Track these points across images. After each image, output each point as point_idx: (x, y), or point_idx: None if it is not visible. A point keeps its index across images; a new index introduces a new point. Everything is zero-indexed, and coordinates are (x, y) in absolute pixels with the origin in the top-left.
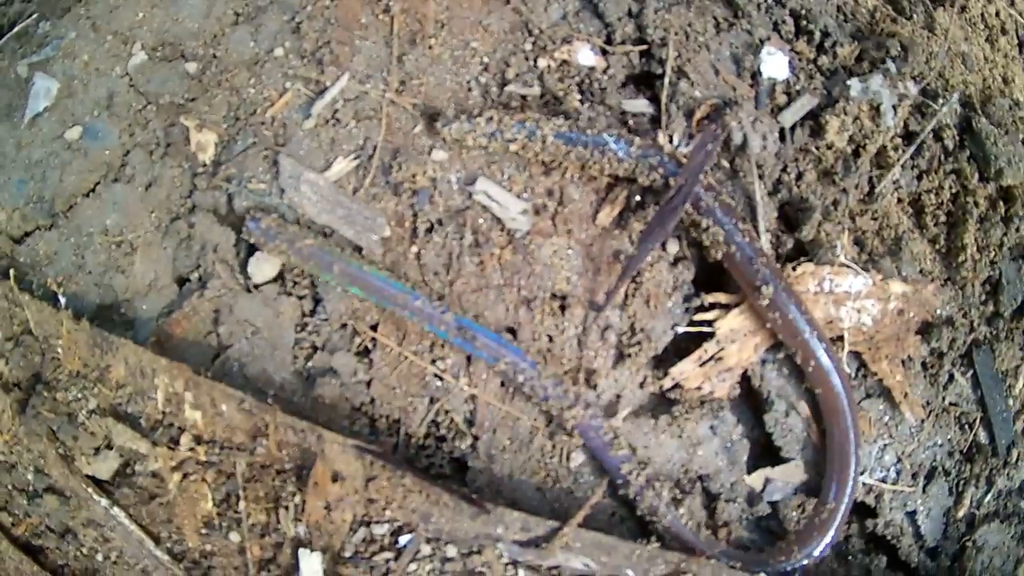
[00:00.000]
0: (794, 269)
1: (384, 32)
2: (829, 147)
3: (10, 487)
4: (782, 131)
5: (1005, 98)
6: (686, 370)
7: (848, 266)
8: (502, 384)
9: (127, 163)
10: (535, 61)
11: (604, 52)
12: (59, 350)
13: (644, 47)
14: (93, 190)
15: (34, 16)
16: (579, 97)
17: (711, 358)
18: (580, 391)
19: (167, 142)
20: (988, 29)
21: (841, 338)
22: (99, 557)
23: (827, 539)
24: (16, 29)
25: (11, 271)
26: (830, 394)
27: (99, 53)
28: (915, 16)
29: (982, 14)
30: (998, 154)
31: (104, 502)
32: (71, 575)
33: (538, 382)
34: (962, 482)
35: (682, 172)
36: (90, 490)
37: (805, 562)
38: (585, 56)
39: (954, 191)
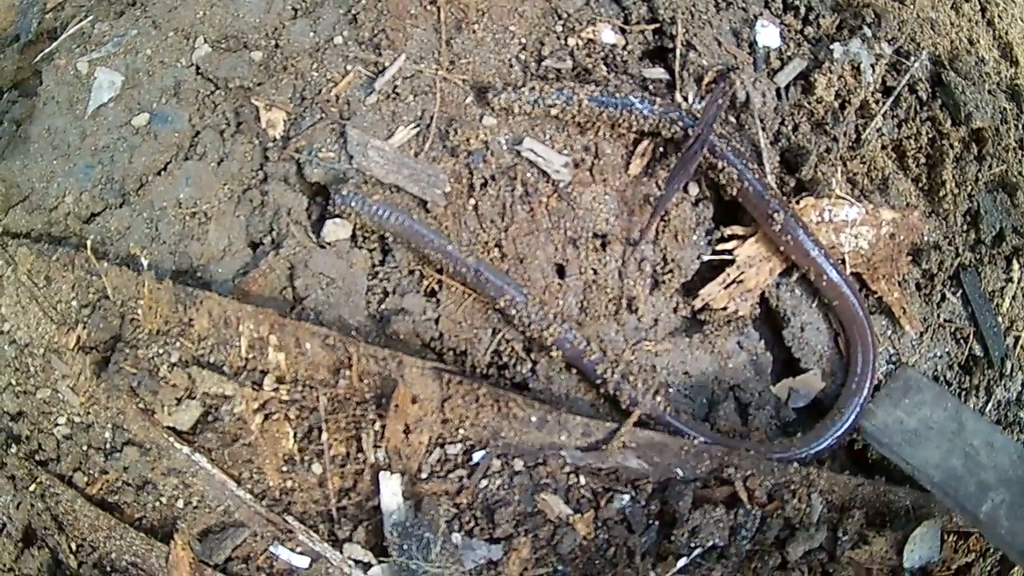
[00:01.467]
0: (798, 203)
1: (432, 20)
2: (819, 102)
3: (86, 447)
4: (778, 90)
5: (971, 56)
6: (712, 292)
7: (843, 198)
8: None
9: (197, 143)
10: (565, 40)
11: (623, 31)
12: (139, 311)
13: (656, 25)
14: (164, 168)
15: (89, 18)
16: (605, 69)
17: (733, 281)
18: (554, 311)
19: (238, 122)
20: None
21: (843, 261)
22: (179, 504)
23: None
24: (71, 30)
25: (87, 242)
26: (844, 303)
27: (162, 48)
28: None
29: None
30: (967, 101)
31: (186, 449)
32: (149, 525)
33: (525, 310)
34: (963, 392)
35: (697, 124)
36: (171, 439)
37: (833, 440)
38: (607, 35)
39: (931, 135)
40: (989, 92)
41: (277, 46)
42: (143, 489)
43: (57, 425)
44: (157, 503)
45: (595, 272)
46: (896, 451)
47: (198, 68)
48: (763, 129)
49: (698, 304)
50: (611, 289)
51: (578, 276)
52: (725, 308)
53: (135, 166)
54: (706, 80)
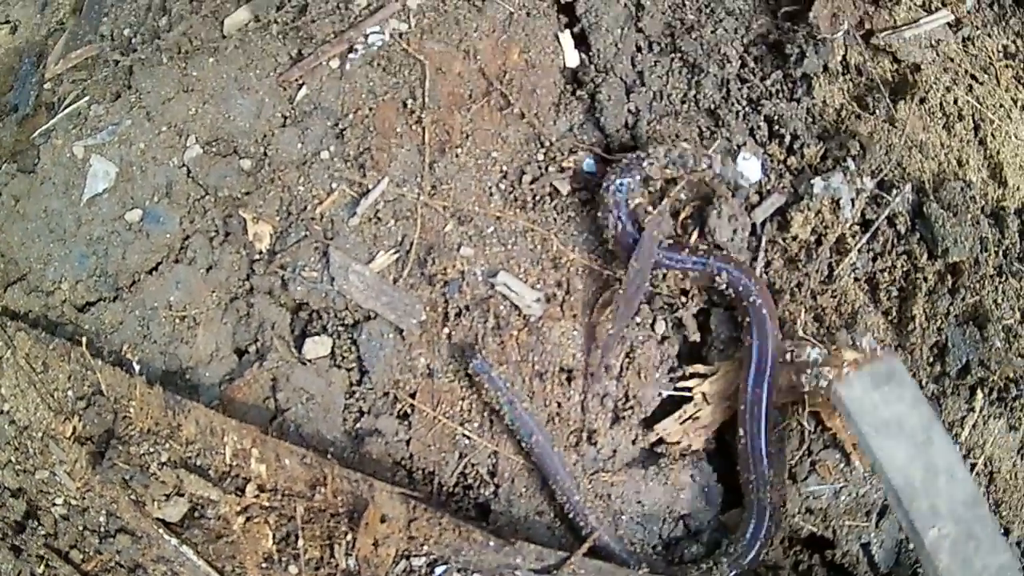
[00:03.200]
0: None
1: (417, 141)
2: (794, 239)
3: (81, 528)
4: (753, 225)
5: (958, 180)
6: (669, 427)
7: (805, 339)
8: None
9: (187, 247)
10: (546, 168)
11: (604, 160)
12: (131, 410)
13: (638, 153)
14: (156, 268)
15: (85, 99)
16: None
17: (690, 417)
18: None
19: (226, 231)
20: (945, 117)
21: (802, 400)
22: None
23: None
24: (68, 110)
25: (83, 339)
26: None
27: (155, 143)
28: (877, 111)
29: (940, 103)
30: (945, 235)
31: (174, 541)
32: None
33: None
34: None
35: (635, 258)
36: (160, 530)
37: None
38: (588, 164)
39: (905, 269)
40: (972, 221)
41: (266, 155)
42: (134, 572)
43: (55, 505)
44: None
45: (559, 405)
46: (867, 437)
47: (189, 171)
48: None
49: (653, 438)
50: (573, 422)
51: (543, 408)
52: (679, 442)
53: (128, 262)
54: (682, 216)
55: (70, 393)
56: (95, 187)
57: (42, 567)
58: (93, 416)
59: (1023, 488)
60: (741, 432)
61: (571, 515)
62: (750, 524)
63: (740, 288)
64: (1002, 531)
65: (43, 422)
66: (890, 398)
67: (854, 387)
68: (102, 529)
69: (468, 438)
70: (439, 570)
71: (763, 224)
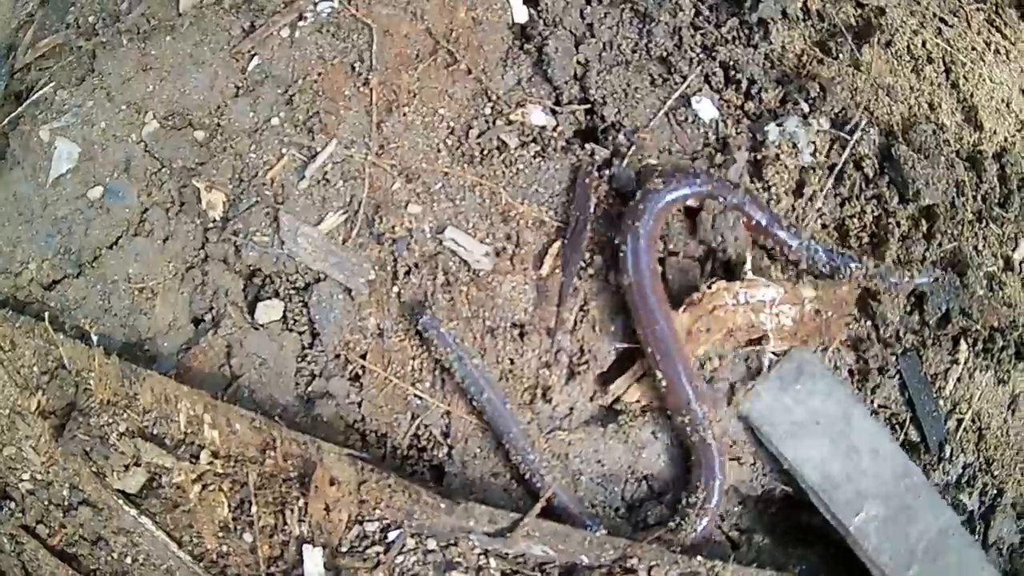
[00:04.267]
0: (709, 287)
1: (365, 102)
2: (767, 188)
3: (46, 502)
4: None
5: (930, 123)
6: (622, 385)
7: (754, 279)
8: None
9: (146, 219)
10: (494, 122)
11: (554, 112)
12: (91, 382)
13: (588, 106)
14: (116, 243)
15: (52, 85)
16: (533, 150)
17: (644, 375)
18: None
19: (181, 201)
20: (914, 60)
21: (765, 337)
22: (128, 560)
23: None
24: (35, 96)
25: (45, 314)
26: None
27: (115, 121)
28: (841, 56)
29: (908, 46)
30: (915, 177)
31: (133, 512)
32: None
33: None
34: None
35: (574, 208)
36: (120, 502)
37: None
38: (537, 116)
39: (876, 214)
40: (946, 163)
41: (219, 125)
42: (96, 544)
43: (22, 480)
44: (109, 558)
45: (512, 362)
46: (775, 443)
47: (146, 145)
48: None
49: (608, 399)
50: (527, 379)
51: (495, 365)
52: (638, 400)
53: (90, 239)
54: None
55: (35, 369)
56: (59, 168)
57: (9, 542)
58: (56, 390)
59: (1015, 444)
60: (659, 375)
61: (527, 475)
62: (702, 466)
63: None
64: (939, 494)
65: (9, 399)
66: (801, 395)
67: (762, 398)
68: (65, 503)
69: (420, 398)
70: (392, 534)
71: (739, 179)
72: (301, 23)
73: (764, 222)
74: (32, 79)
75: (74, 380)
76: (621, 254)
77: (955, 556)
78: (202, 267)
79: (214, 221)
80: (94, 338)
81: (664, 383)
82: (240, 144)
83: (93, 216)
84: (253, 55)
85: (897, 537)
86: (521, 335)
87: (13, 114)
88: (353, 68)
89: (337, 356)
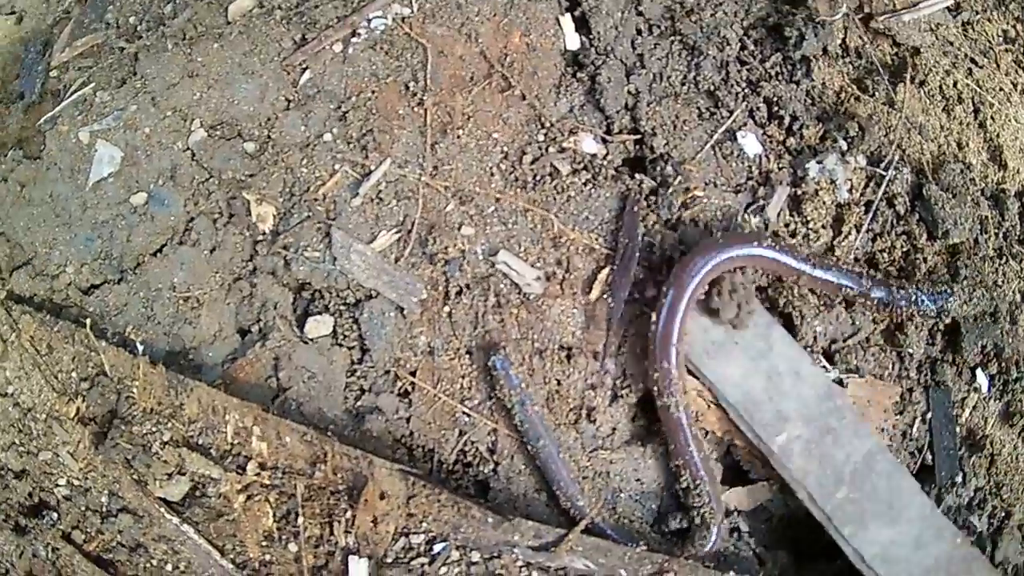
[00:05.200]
0: None
1: (419, 123)
2: (806, 223)
3: (84, 508)
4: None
5: (957, 163)
6: None
7: None
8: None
9: (191, 228)
10: (547, 149)
11: (604, 140)
12: (134, 390)
13: (638, 136)
14: (160, 250)
15: (91, 86)
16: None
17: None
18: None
19: (229, 212)
20: (945, 99)
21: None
22: (168, 567)
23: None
24: (74, 97)
25: (87, 321)
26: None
27: (160, 127)
28: (877, 94)
29: (940, 86)
30: (945, 217)
31: (175, 520)
32: None
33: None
34: None
35: (623, 236)
36: (162, 510)
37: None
38: (588, 144)
39: (905, 249)
40: (972, 202)
41: (269, 137)
42: (135, 551)
43: (58, 486)
44: (148, 565)
45: (559, 383)
46: (695, 362)
47: (193, 154)
48: None
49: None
50: (572, 399)
51: (543, 385)
52: None
53: (133, 245)
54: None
55: (74, 375)
56: (100, 172)
57: (45, 548)
58: (96, 397)
59: (1023, 470)
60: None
61: (576, 518)
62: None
63: None
64: (866, 424)
65: (47, 403)
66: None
67: None
68: (104, 509)
69: (468, 416)
70: (438, 547)
71: (778, 214)
72: (354, 39)
73: (842, 282)
74: (70, 78)
75: (116, 388)
76: (661, 300)
77: (884, 480)
78: (250, 279)
79: (264, 234)
80: (139, 347)
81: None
82: (291, 158)
83: (136, 222)
84: (305, 68)
85: (822, 460)
86: (568, 357)
87: (51, 113)
88: (407, 87)
89: (387, 372)
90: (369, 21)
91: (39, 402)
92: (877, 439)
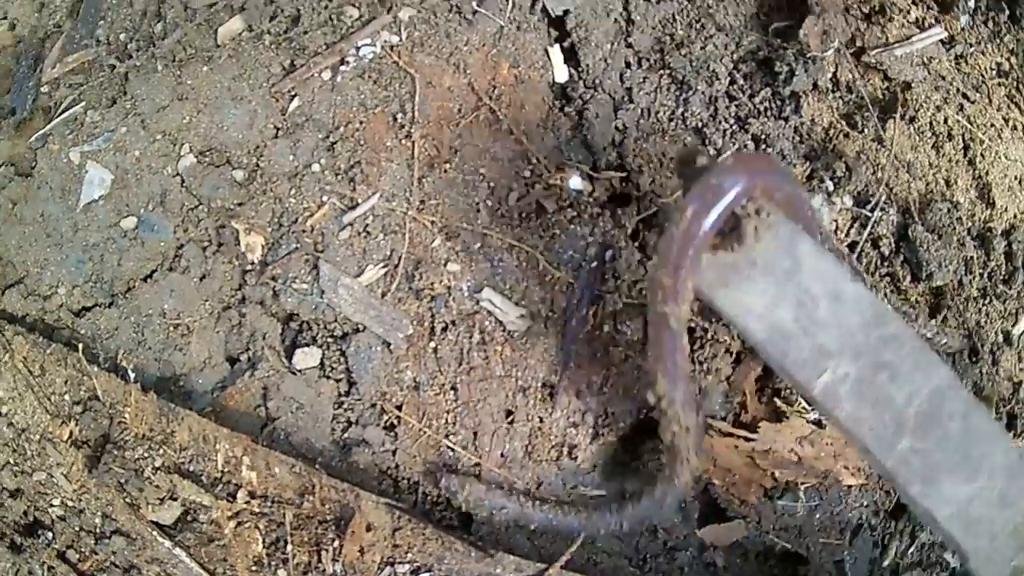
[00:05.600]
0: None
1: (406, 155)
2: None
3: (78, 528)
4: None
5: (945, 202)
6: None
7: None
8: (501, 455)
9: (181, 255)
10: (532, 185)
11: (591, 178)
12: (126, 415)
13: (624, 174)
14: (151, 276)
15: (81, 104)
16: (569, 214)
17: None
18: None
19: (219, 241)
20: (935, 136)
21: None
22: None
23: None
24: (64, 115)
25: (80, 346)
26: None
27: (150, 151)
28: (866, 130)
29: (930, 122)
30: (930, 259)
31: (167, 543)
32: None
33: None
34: (887, 536)
35: (577, 285)
36: (155, 533)
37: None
38: (575, 182)
39: (888, 291)
40: (957, 243)
41: (258, 166)
42: (129, 572)
43: (52, 506)
44: None
45: (541, 420)
46: (707, 293)
47: (183, 180)
48: None
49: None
50: (555, 436)
51: (525, 422)
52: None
53: (123, 269)
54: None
55: (67, 397)
56: (91, 193)
57: (41, 567)
58: (89, 421)
59: None
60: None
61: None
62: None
63: None
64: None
65: (40, 425)
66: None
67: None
68: (98, 530)
69: (452, 450)
70: None
71: None
72: (343, 67)
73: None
74: (61, 96)
75: (108, 412)
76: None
77: (957, 425)
78: (239, 308)
79: (252, 264)
80: (131, 374)
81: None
82: (280, 188)
83: (127, 247)
84: (293, 96)
85: (878, 402)
86: (551, 395)
87: (42, 131)
88: (395, 119)
89: (373, 405)
90: (358, 49)
91: (32, 423)
92: (947, 372)
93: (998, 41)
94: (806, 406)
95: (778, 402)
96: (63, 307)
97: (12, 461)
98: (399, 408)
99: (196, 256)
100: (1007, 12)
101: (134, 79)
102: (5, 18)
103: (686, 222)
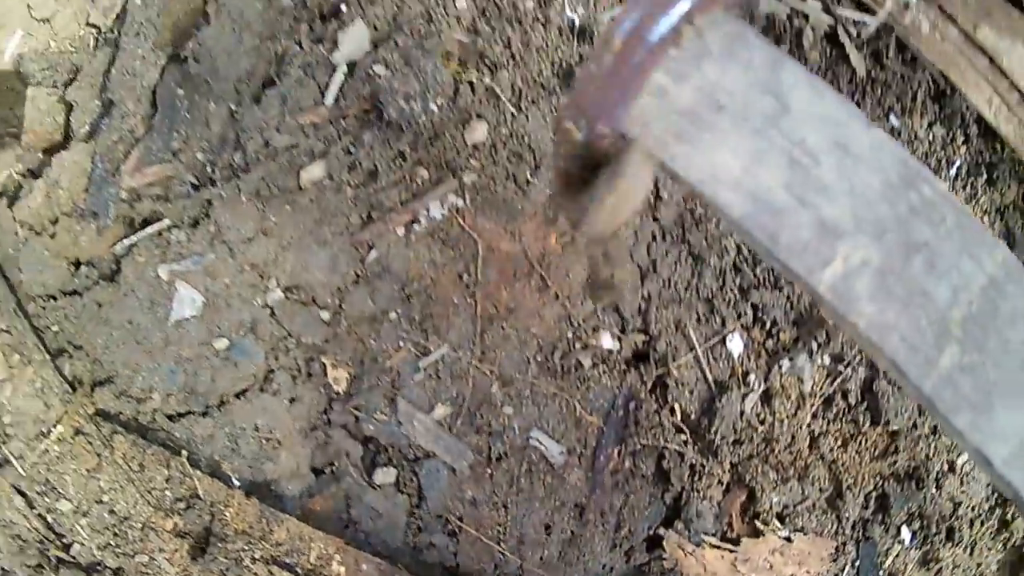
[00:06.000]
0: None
1: (471, 312)
2: (773, 414)
3: None
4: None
5: None
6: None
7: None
8: (540, 559)
9: (272, 379)
10: (573, 344)
11: (619, 338)
12: (227, 514)
13: (646, 337)
14: (243, 393)
15: (166, 221)
16: (600, 369)
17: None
18: None
19: (308, 371)
20: None
21: None
22: None
23: None
24: (150, 230)
25: (183, 452)
26: None
27: (239, 280)
28: None
29: None
30: (888, 408)
31: None
32: None
33: None
34: None
35: (606, 428)
36: None
37: None
38: (606, 340)
39: (850, 432)
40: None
41: (341, 308)
42: None
43: None
44: None
45: (572, 533)
46: (658, 153)
47: (272, 312)
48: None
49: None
50: (583, 545)
51: (560, 534)
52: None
53: (216, 385)
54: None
55: (168, 493)
56: (182, 311)
57: None
58: (193, 516)
59: None
60: None
61: None
62: None
63: None
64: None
65: (143, 515)
66: (687, 62)
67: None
68: None
69: (503, 555)
70: None
71: (752, 407)
72: (415, 226)
73: None
74: (142, 208)
75: (210, 510)
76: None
77: (1022, 329)
78: (325, 429)
79: (337, 394)
80: (235, 481)
81: None
82: (362, 330)
83: (219, 365)
84: (371, 246)
85: (911, 300)
86: (580, 514)
87: (126, 241)
88: (461, 278)
89: (439, 516)
90: (428, 209)
91: (135, 512)
92: (1005, 254)
93: (974, 203)
94: (779, 524)
95: (757, 523)
96: (158, 411)
97: (114, 543)
98: (460, 520)
99: (286, 382)
100: (984, 176)
101: (218, 206)
102: (70, 108)
103: (628, 29)
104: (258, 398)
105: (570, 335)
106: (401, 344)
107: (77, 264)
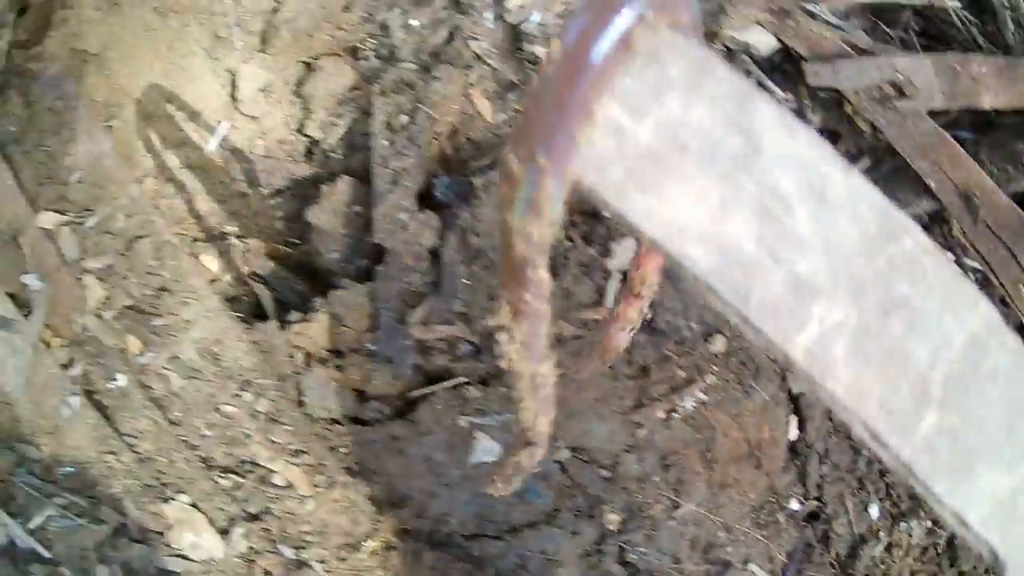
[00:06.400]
0: None
1: (708, 479)
2: None
3: None
4: None
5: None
6: None
7: None
8: None
9: (558, 517)
10: (774, 506)
11: (802, 502)
12: None
13: (819, 503)
14: (532, 525)
15: (461, 378)
16: None
17: None
18: None
19: (588, 514)
20: None
21: None
22: None
23: None
24: (446, 384)
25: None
26: None
27: None
28: None
29: None
30: (962, 558)
31: None
32: None
33: None
34: None
35: None
36: None
37: None
38: (795, 504)
39: (932, 572)
40: None
41: (615, 468)
42: None
43: None
44: None
45: None
46: (611, 203)
47: (562, 467)
48: None
49: None
50: None
51: None
52: None
53: (510, 518)
54: None
55: None
56: (481, 457)
57: None
58: None
59: None
60: None
61: None
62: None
63: None
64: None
65: None
66: (646, 94)
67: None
68: None
69: None
70: None
71: None
72: (674, 413)
73: None
74: (435, 363)
75: None
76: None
77: (1002, 387)
78: (597, 556)
79: (610, 530)
80: None
81: None
82: (631, 485)
83: (514, 503)
84: (640, 425)
85: (889, 363)
86: None
87: (422, 391)
88: (703, 455)
89: None
90: (682, 400)
91: None
92: (987, 309)
93: None
94: None
95: None
96: (455, 533)
97: None
98: None
99: (569, 520)
100: None
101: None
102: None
103: (568, 47)
104: (548, 532)
105: (772, 499)
106: (659, 499)
107: (362, 396)
